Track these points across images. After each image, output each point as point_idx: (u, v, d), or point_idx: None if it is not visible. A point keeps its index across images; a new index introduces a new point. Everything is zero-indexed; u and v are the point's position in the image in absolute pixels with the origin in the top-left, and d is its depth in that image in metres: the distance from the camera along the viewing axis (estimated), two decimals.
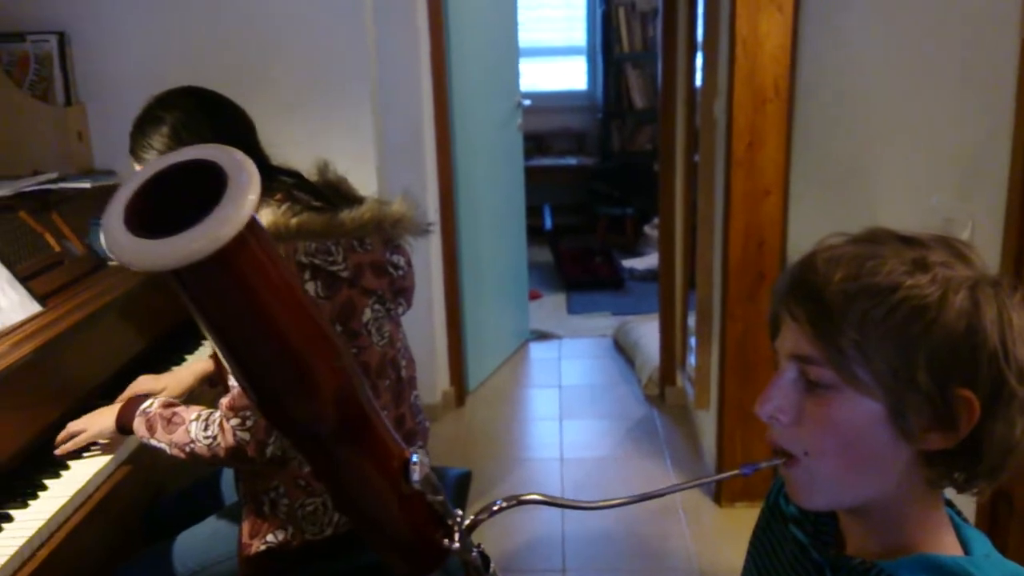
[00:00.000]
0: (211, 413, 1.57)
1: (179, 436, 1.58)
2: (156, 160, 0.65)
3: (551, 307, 5.20)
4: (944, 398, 0.76)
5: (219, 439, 1.53)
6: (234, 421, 1.52)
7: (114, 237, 0.59)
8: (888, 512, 0.84)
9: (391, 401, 1.73)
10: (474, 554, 0.79)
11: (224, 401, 1.54)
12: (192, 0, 2.57)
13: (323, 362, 0.67)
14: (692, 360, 3.66)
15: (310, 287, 1.53)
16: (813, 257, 0.82)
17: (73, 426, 1.73)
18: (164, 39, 2.58)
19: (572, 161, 6.66)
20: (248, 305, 0.63)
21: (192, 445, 1.56)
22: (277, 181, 1.66)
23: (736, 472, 0.88)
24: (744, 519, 2.96)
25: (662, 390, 3.92)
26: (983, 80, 1.19)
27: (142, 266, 0.58)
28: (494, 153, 4.14)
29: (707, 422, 3.29)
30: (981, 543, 0.86)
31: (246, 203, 0.58)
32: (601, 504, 0.83)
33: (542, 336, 4.69)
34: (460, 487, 2.04)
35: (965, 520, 0.89)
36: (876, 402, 0.78)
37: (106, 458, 1.71)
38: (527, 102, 4.56)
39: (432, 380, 3.66)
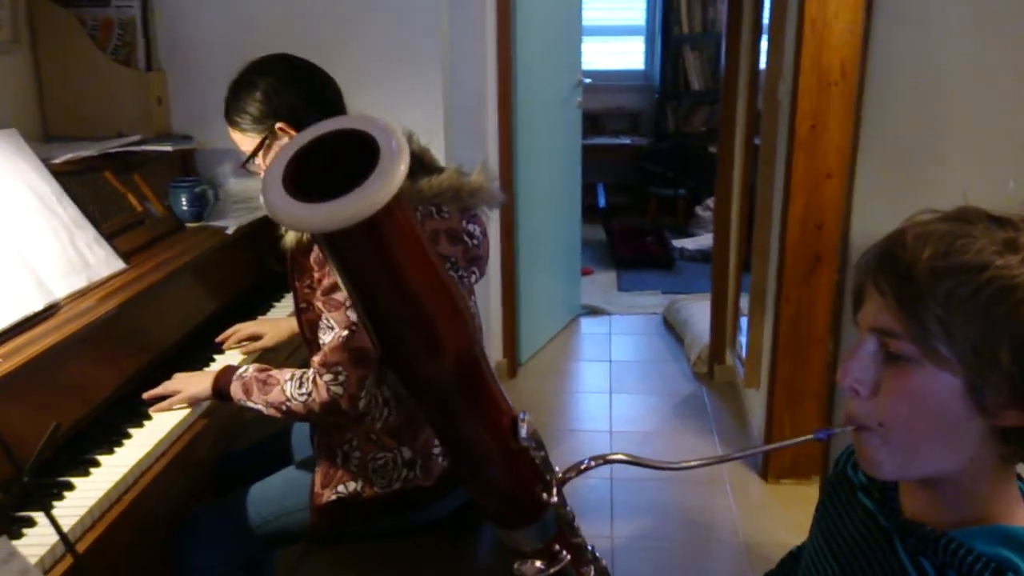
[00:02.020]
0: (304, 372, 1.64)
1: (275, 396, 1.65)
2: (310, 128, 0.70)
3: (602, 284, 5.24)
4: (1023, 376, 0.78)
5: (314, 395, 1.60)
6: (327, 377, 1.59)
7: (275, 200, 0.64)
8: (960, 485, 0.86)
9: None
10: (568, 508, 0.85)
11: (316, 359, 1.61)
12: None
13: (448, 322, 0.72)
14: (742, 340, 3.69)
15: None
16: (903, 233, 0.84)
17: (169, 386, 1.79)
18: (243, 8, 2.65)
19: (626, 141, 6.66)
20: (389, 267, 0.68)
21: (288, 403, 1.64)
22: None
23: (811, 436, 0.91)
24: (790, 495, 3.01)
25: (711, 368, 3.95)
26: None
27: (300, 227, 0.64)
28: (553, 130, 4.18)
29: (756, 401, 3.32)
30: None
31: (398, 172, 0.63)
32: (683, 464, 0.87)
33: (593, 311, 4.74)
34: None
35: None
36: (955, 377, 0.80)
37: (186, 411, 1.78)
38: (587, 80, 4.57)
39: (485, 351, 3.72)
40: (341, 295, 1.59)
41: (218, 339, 2.08)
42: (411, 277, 0.69)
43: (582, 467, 0.85)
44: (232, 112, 1.76)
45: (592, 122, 6.52)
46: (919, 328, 0.80)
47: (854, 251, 2.12)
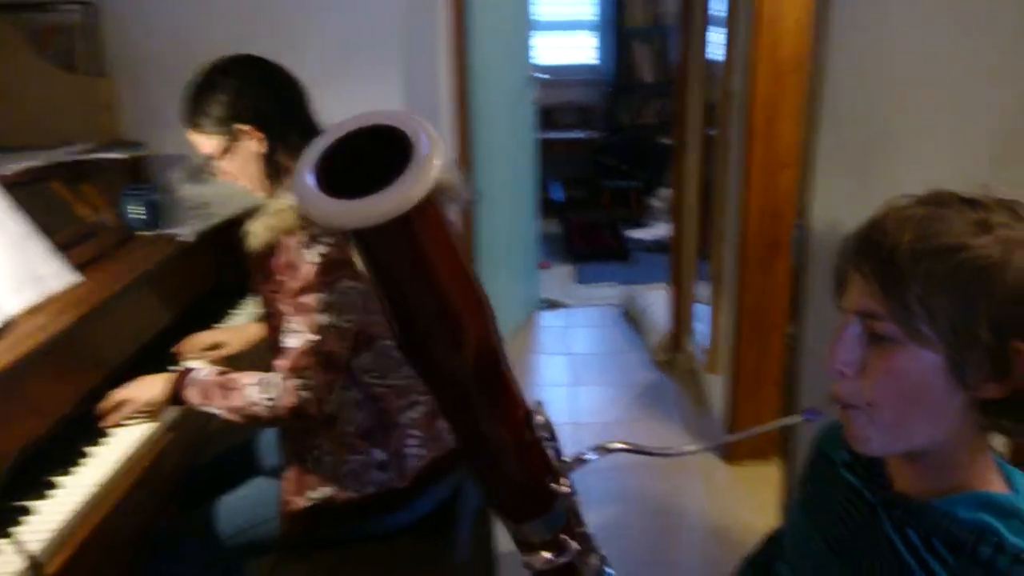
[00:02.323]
0: (269, 376, 1.61)
1: (236, 401, 1.62)
2: (339, 124, 0.69)
3: (560, 277, 5.26)
4: (1002, 351, 0.81)
5: (280, 399, 1.58)
6: (296, 381, 1.57)
7: (309, 196, 0.63)
8: (941, 456, 0.89)
9: None
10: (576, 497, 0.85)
11: (283, 363, 1.59)
12: None
13: (471, 315, 0.72)
14: (701, 328, 3.72)
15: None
16: (883, 218, 0.86)
17: (118, 395, 1.74)
18: (193, 11, 2.60)
19: (580, 134, 6.68)
20: (420, 262, 0.68)
21: (252, 408, 1.61)
22: None
23: (800, 418, 0.93)
24: (753, 476, 3.05)
25: (671, 356, 3.98)
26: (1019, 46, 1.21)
27: (334, 224, 0.63)
28: (509, 126, 4.17)
29: (718, 387, 3.35)
30: None
31: (432, 168, 0.62)
32: (682, 450, 0.90)
33: (552, 305, 4.76)
34: None
35: (1006, 461, 0.94)
36: (936, 354, 0.82)
37: (153, 424, 1.74)
38: (543, 76, 4.58)
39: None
40: (310, 298, 1.57)
41: (175, 348, 2.03)
42: (440, 272, 0.69)
43: (584, 458, 0.86)
44: (193, 114, 1.73)
45: (545, 117, 6.51)
46: (902, 309, 0.83)
47: (815, 239, 2.14)
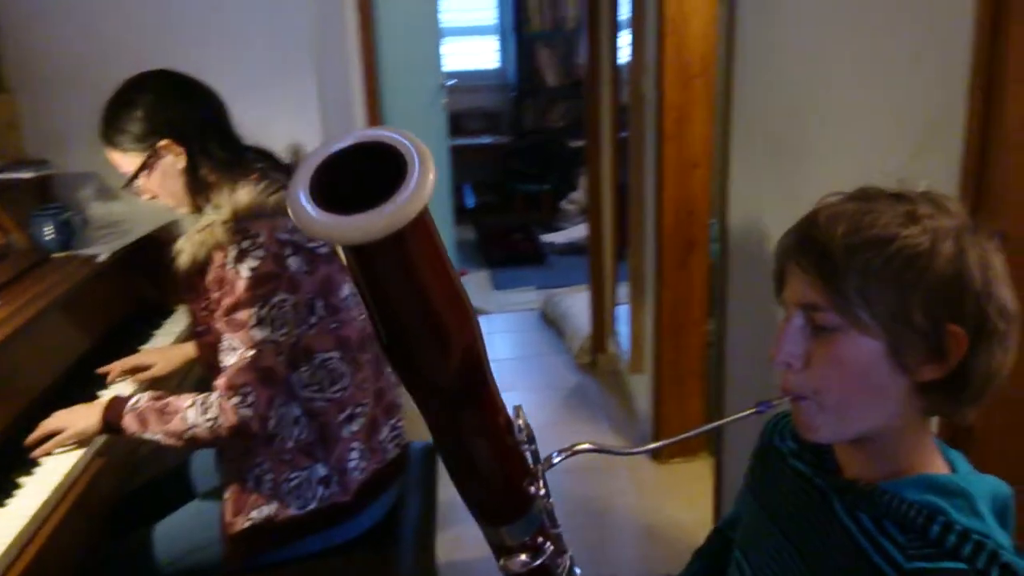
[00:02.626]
0: (206, 397, 1.58)
1: (175, 425, 1.59)
2: (331, 141, 0.69)
3: (477, 284, 5.27)
4: (937, 334, 0.85)
5: (221, 419, 1.55)
6: (235, 399, 1.54)
7: (304, 212, 0.63)
8: (887, 440, 0.93)
9: (371, 375, 1.77)
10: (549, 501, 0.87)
11: (221, 382, 1.56)
12: None
13: (458, 325, 0.73)
14: (622, 328, 3.79)
15: (292, 263, 1.56)
16: (816, 215, 0.91)
17: (50, 424, 1.69)
18: (97, 26, 2.52)
19: (487, 140, 6.71)
20: (410, 273, 0.68)
21: (192, 431, 1.57)
22: (252, 161, 1.69)
23: (753, 410, 0.96)
24: (680, 473, 3.12)
25: (594, 358, 4.04)
26: (936, 50, 1.27)
27: (332, 240, 0.63)
28: (421, 133, 4.02)
29: (642, 385, 3.41)
30: (962, 462, 0.96)
31: (428, 183, 0.63)
32: (648, 447, 0.92)
33: None
34: (428, 457, 2.10)
35: (944, 443, 0.99)
36: (877, 340, 0.87)
37: (80, 451, 1.68)
38: (453, 81, 4.59)
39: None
40: (243, 314, 1.54)
41: (100, 370, 1.97)
42: (431, 284, 0.70)
43: (555, 460, 0.87)
44: (111, 132, 1.68)
45: (453, 123, 6.54)
46: (841, 299, 0.87)
47: (732, 236, 2.21)
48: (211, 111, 1.72)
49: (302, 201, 0.63)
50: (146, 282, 2.48)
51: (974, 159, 1.12)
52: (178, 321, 2.38)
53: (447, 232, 4.61)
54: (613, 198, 3.88)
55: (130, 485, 1.92)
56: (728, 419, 1.00)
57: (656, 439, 3.21)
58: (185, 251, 1.57)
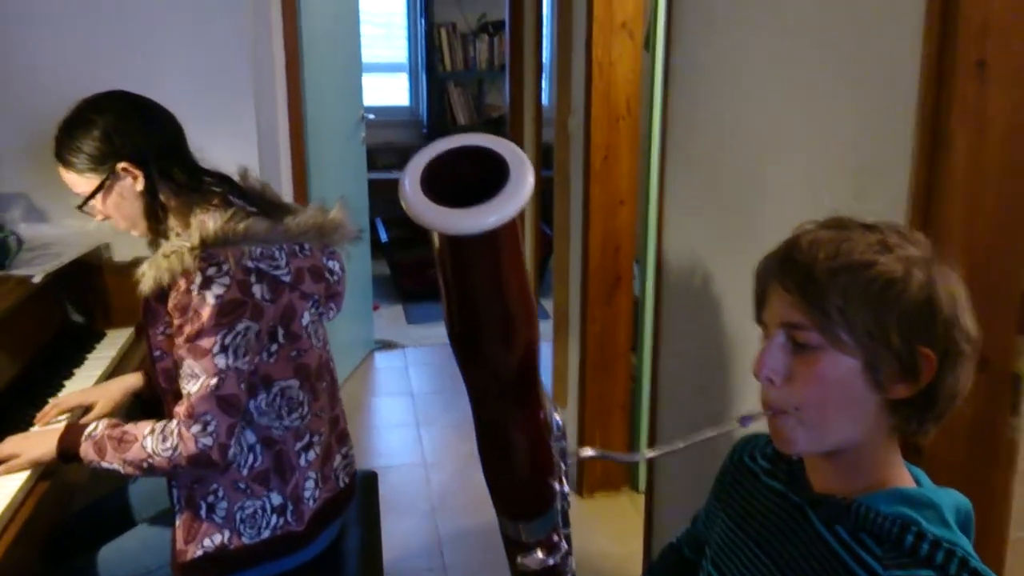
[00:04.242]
0: (165, 424, 1.56)
1: (134, 453, 1.56)
2: (440, 141, 0.74)
3: (390, 317, 5.27)
4: (910, 355, 0.93)
5: (180, 448, 1.52)
6: (195, 428, 1.52)
7: (418, 203, 0.69)
8: (859, 455, 1.00)
9: (327, 403, 1.78)
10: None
11: (180, 410, 1.54)
12: (65, 9, 2.47)
13: (524, 320, 0.78)
14: (541, 363, 3.85)
15: (257, 290, 1.56)
16: (797, 240, 0.98)
17: (3, 450, 1.65)
18: (28, 51, 2.47)
19: (399, 175, 6.71)
20: (496, 268, 0.74)
21: (150, 460, 1.54)
22: (210, 185, 1.69)
23: (735, 424, 1.03)
24: (604, 507, 3.19)
25: None
26: (878, 89, 1.35)
27: (440, 229, 0.68)
28: (342, 166, 4.18)
29: (565, 418, 3.47)
30: (924, 476, 1.05)
31: (529, 184, 0.68)
32: (649, 454, 0.98)
33: (387, 346, 4.76)
34: (368, 486, 2.11)
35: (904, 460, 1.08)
36: (854, 359, 0.94)
37: (25, 474, 1.64)
38: (371, 116, 4.62)
39: None
40: (207, 341, 1.52)
41: (40, 415, 1.89)
42: (510, 280, 0.75)
43: (564, 468, 0.92)
44: (66, 152, 1.66)
45: (367, 158, 6.55)
46: (823, 318, 0.94)
47: (667, 269, 2.30)
48: (170, 134, 1.72)
49: (414, 189, 0.68)
50: (74, 305, 2.42)
51: (920, 201, 1.23)
52: (110, 345, 2.33)
53: (364, 266, 4.60)
54: (535, 235, 3.97)
55: (69, 508, 1.86)
56: (713, 432, 1.06)
57: (579, 472, 3.27)
58: (148, 275, 1.55)
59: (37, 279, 2.13)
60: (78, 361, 2.22)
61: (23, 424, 1.86)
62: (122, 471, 1.58)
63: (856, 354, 0.94)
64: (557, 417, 0.88)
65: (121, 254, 2.54)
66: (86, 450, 1.59)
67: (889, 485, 1.00)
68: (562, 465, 0.90)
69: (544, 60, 3.79)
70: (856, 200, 1.40)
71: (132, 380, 1.95)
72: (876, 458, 1.01)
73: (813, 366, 0.96)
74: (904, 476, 1.02)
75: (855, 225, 0.99)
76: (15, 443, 1.66)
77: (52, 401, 1.90)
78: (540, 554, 0.91)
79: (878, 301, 0.92)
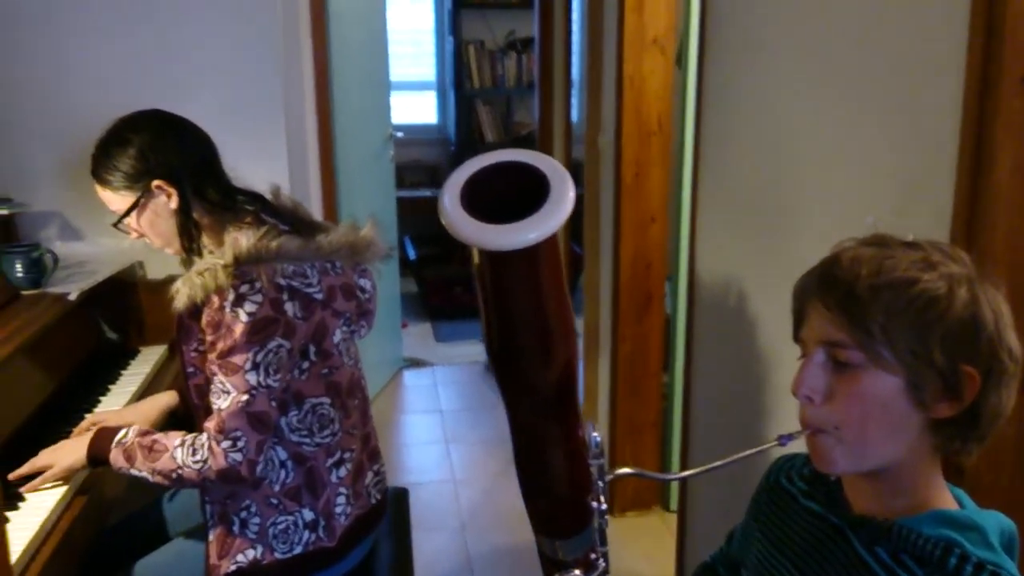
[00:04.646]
0: (196, 437, 1.57)
1: (163, 463, 1.57)
2: (479, 157, 0.73)
3: (419, 336, 5.27)
4: (953, 374, 0.91)
5: (210, 462, 1.53)
6: (225, 443, 1.53)
7: (458, 217, 0.69)
8: (900, 475, 0.98)
9: (359, 420, 1.78)
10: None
11: (211, 425, 1.55)
12: (97, 28, 2.51)
13: (562, 337, 0.77)
14: None
15: (289, 308, 1.57)
16: (838, 257, 0.97)
17: (38, 462, 1.67)
18: (66, 70, 2.50)
19: (427, 193, 6.76)
20: (535, 284, 0.73)
21: (180, 471, 1.56)
22: (243, 204, 1.70)
23: (775, 443, 1.01)
24: (635, 526, 3.16)
25: None
26: (920, 105, 1.33)
27: (480, 245, 0.68)
28: (370, 185, 4.20)
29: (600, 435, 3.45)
30: (967, 498, 1.03)
31: (568, 201, 0.67)
32: (685, 474, 0.97)
33: (416, 364, 4.76)
34: (399, 503, 2.10)
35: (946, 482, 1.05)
36: (897, 377, 0.92)
37: (63, 488, 1.66)
38: (399, 134, 4.64)
39: None
40: (239, 358, 1.53)
41: (74, 434, 1.88)
42: (549, 296, 0.75)
43: (601, 484, 0.91)
44: (102, 171, 1.68)
45: (396, 176, 6.58)
46: (865, 336, 0.92)
47: (699, 287, 2.29)
48: (204, 153, 1.73)
49: (456, 209, 0.68)
50: (109, 323, 2.44)
51: (963, 217, 1.21)
52: (144, 362, 2.34)
53: (393, 284, 4.61)
54: (565, 252, 3.96)
55: (105, 523, 1.87)
56: (751, 451, 1.05)
57: (611, 492, 3.24)
58: (182, 292, 1.57)
59: (73, 296, 2.15)
60: (113, 378, 2.23)
61: (60, 439, 1.87)
62: (150, 479, 1.59)
63: (898, 372, 0.92)
64: (595, 434, 0.87)
65: (155, 272, 2.56)
66: (115, 456, 1.61)
67: (931, 506, 0.98)
68: (600, 483, 0.89)
69: (573, 76, 3.78)
70: (897, 216, 1.39)
71: (166, 399, 1.96)
72: (917, 479, 0.99)
73: (854, 384, 0.94)
74: (946, 497, 1.01)
75: (897, 242, 0.97)
76: (47, 455, 1.68)
77: (89, 418, 1.92)
78: (578, 572, 0.90)
79: (921, 319, 0.91)
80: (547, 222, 0.67)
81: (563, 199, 0.68)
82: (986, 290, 0.93)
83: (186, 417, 1.86)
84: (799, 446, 1.03)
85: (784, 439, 1.02)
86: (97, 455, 1.63)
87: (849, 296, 0.93)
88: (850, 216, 1.54)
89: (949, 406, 0.93)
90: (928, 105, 1.32)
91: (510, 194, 0.70)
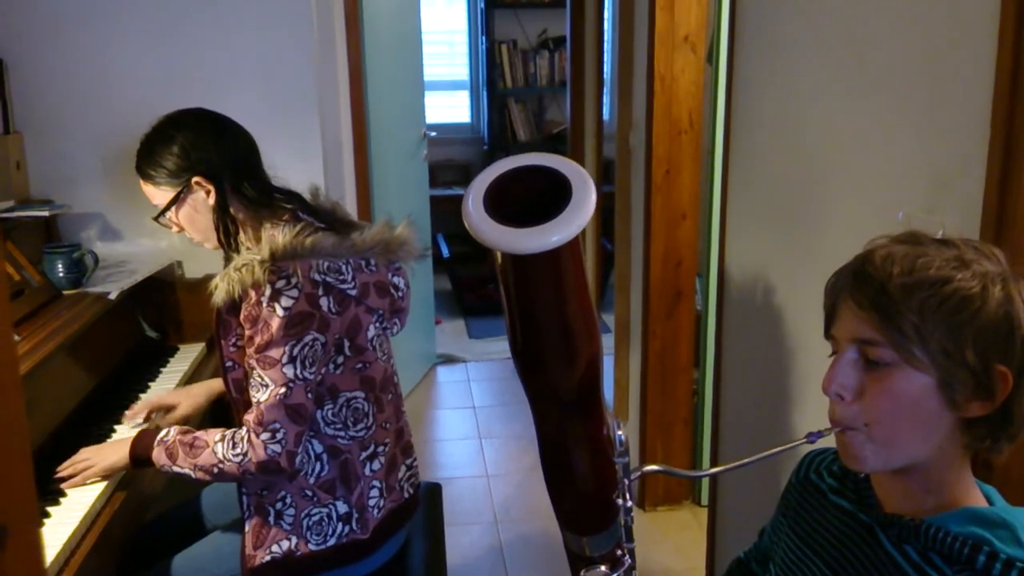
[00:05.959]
0: (235, 432, 1.61)
1: (205, 459, 1.61)
2: (503, 161, 0.75)
3: (452, 332, 5.31)
4: (986, 373, 0.91)
5: (250, 455, 1.58)
6: (264, 436, 1.57)
7: (480, 221, 0.70)
8: (929, 473, 0.98)
9: (393, 415, 1.81)
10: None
11: (250, 417, 1.59)
12: (136, 31, 2.56)
13: (585, 338, 0.78)
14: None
15: (324, 303, 1.60)
16: (871, 255, 0.97)
17: (79, 461, 1.72)
18: (104, 68, 2.56)
19: (459, 191, 6.80)
20: (558, 286, 0.74)
21: (221, 465, 1.60)
22: (281, 202, 1.73)
23: (804, 440, 1.02)
24: (667, 521, 3.17)
25: None
26: (952, 101, 1.32)
27: (503, 248, 0.69)
28: (404, 184, 4.24)
29: (627, 432, 3.46)
30: (996, 495, 1.02)
31: (589, 205, 0.69)
32: (712, 471, 0.97)
33: (449, 360, 4.80)
34: (432, 498, 2.13)
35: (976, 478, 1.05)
36: (929, 376, 0.92)
37: (102, 484, 1.70)
38: (433, 133, 4.67)
39: None
40: (276, 352, 1.57)
41: (129, 413, 1.99)
42: (572, 298, 0.77)
43: (627, 482, 0.92)
44: (146, 165, 1.73)
45: (429, 174, 6.62)
46: (897, 334, 0.92)
47: (729, 283, 2.29)
48: (243, 151, 1.77)
49: (479, 212, 0.69)
50: (148, 321, 2.50)
51: (994, 214, 1.20)
52: (183, 359, 2.39)
53: (427, 281, 4.65)
54: (596, 250, 3.97)
55: (144, 518, 1.92)
56: (779, 448, 1.05)
57: (642, 487, 3.26)
58: (221, 288, 1.61)
59: (113, 295, 2.21)
60: (153, 375, 2.29)
61: (104, 434, 1.93)
62: (193, 476, 1.64)
63: (930, 371, 0.92)
64: (620, 432, 0.89)
65: (192, 271, 2.61)
66: (158, 454, 1.65)
67: (960, 504, 0.98)
68: (625, 480, 0.91)
69: (605, 75, 3.78)
70: (928, 213, 1.38)
71: (216, 384, 2.01)
72: (947, 477, 0.99)
73: (885, 383, 0.94)
74: (976, 495, 1.00)
75: (929, 240, 0.97)
76: (90, 452, 1.73)
77: (143, 397, 1.97)
78: (604, 568, 0.91)
79: (954, 318, 0.90)
80: (569, 226, 0.69)
81: (585, 202, 0.70)
82: (1020, 288, 0.93)
83: (229, 406, 1.91)
84: (829, 441, 1.04)
85: (813, 436, 1.02)
86: (140, 454, 1.68)
87: (882, 294, 0.93)
88: (879, 211, 1.53)
89: (981, 405, 0.93)
90: (958, 98, 1.31)
91: (533, 196, 0.72)
